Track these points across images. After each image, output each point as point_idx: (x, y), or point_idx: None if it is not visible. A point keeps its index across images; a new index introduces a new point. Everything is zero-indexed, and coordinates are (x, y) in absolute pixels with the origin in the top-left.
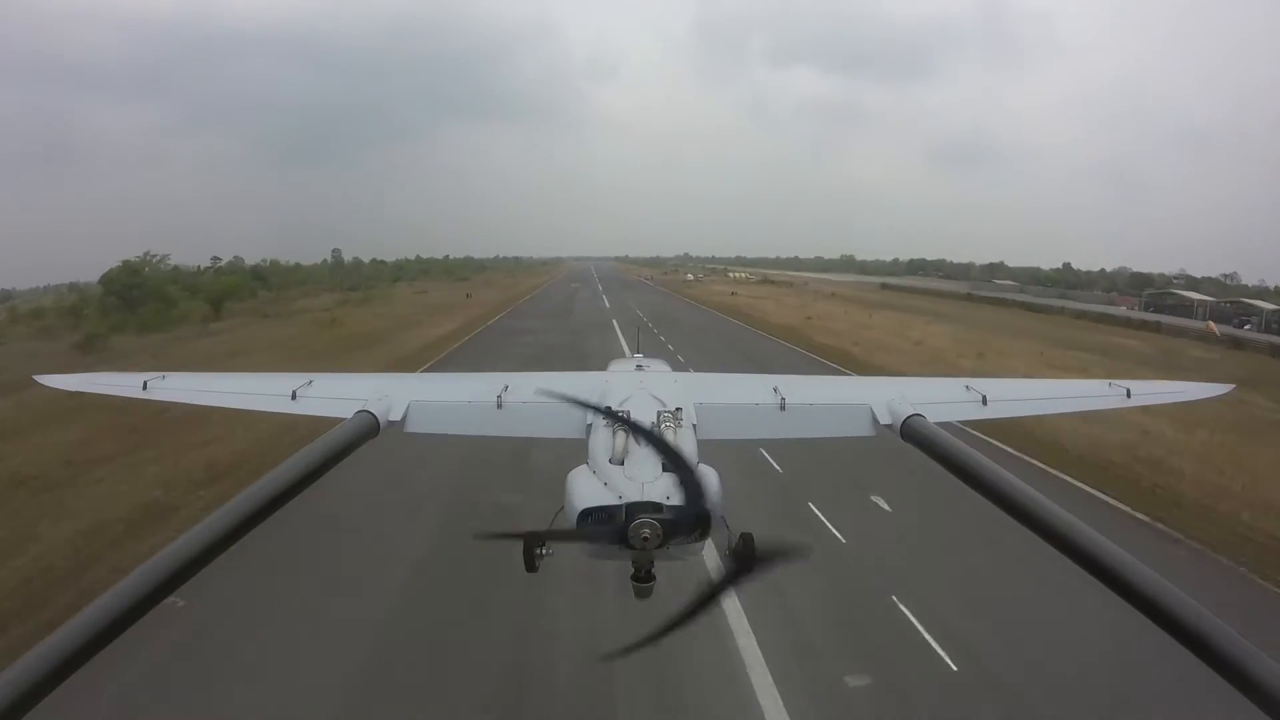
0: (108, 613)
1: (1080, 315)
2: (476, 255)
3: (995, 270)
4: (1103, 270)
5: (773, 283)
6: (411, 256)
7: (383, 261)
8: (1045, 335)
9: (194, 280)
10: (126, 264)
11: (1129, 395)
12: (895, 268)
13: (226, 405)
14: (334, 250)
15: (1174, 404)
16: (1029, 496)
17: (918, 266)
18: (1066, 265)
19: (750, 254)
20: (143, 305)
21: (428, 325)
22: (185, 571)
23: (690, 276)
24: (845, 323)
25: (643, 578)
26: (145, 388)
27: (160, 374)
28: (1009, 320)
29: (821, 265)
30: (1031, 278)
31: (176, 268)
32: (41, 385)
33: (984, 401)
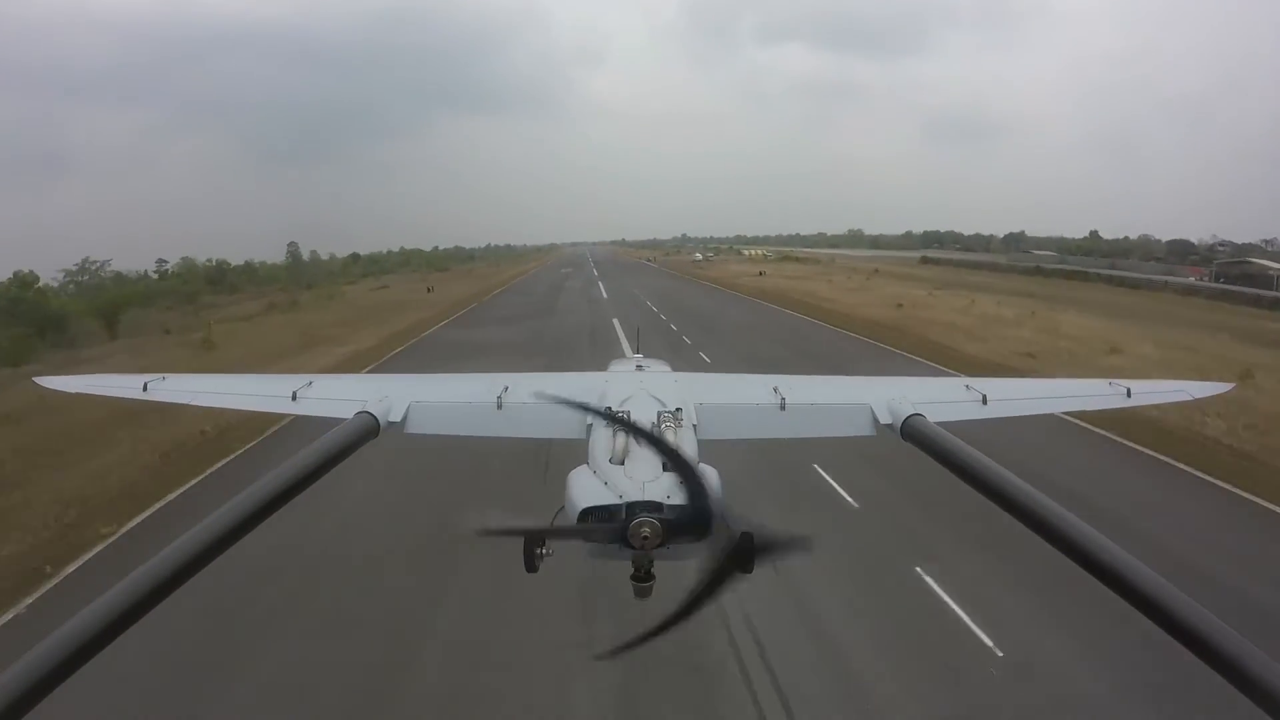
0: (107, 613)
1: (1159, 288)
2: (468, 245)
3: (1018, 240)
4: (1125, 237)
5: (796, 260)
6: (408, 249)
7: (356, 255)
8: (1178, 318)
9: (132, 289)
10: (17, 276)
11: (1129, 395)
12: (909, 241)
13: (227, 406)
14: (290, 244)
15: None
16: (1029, 495)
17: (933, 239)
18: (1094, 233)
19: (749, 233)
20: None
21: (339, 342)
22: (185, 572)
23: (699, 256)
24: (945, 310)
25: (643, 577)
26: (145, 389)
27: (160, 375)
28: (1105, 298)
29: (829, 241)
30: (1061, 247)
31: (119, 275)
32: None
33: (984, 401)
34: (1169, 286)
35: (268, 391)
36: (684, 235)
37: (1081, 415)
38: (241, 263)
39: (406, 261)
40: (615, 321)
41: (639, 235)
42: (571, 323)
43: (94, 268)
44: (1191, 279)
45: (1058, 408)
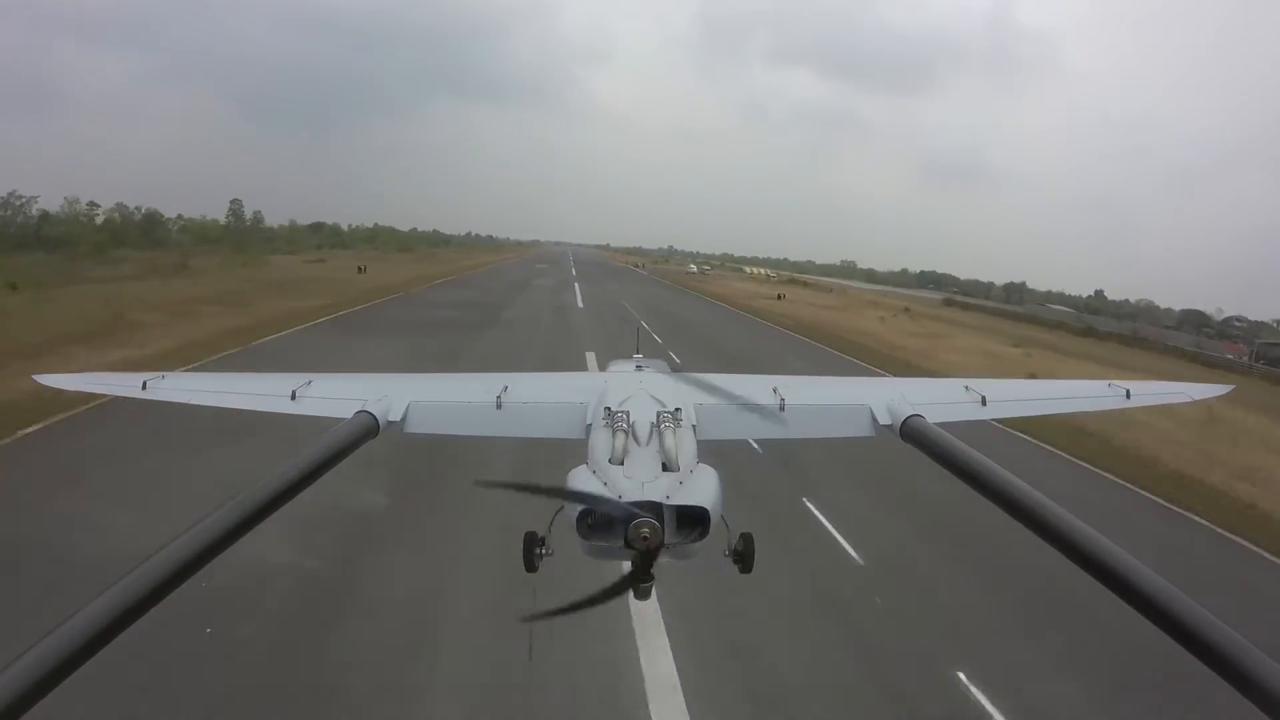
0: (107, 613)
1: (1213, 363)
2: (449, 231)
3: (1020, 291)
4: (1127, 300)
5: (804, 284)
6: (382, 226)
7: (320, 224)
8: None
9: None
10: None
11: (1129, 396)
12: (905, 278)
13: (226, 405)
14: (233, 202)
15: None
16: (1030, 496)
17: (929, 279)
18: (1099, 293)
19: (737, 252)
20: None
21: (141, 334)
22: (185, 572)
23: (694, 269)
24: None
25: (642, 578)
26: (144, 387)
27: (160, 374)
28: (1176, 370)
29: (819, 269)
30: (1066, 302)
31: (46, 214)
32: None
33: (983, 402)
34: (1200, 359)
35: (267, 391)
36: (670, 247)
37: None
38: (175, 216)
39: (373, 238)
40: (591, 355)
41: (624, 242)
42: (519, 339)
43: (19, 203)
44: (1230, 356)
45: (1056, 409)
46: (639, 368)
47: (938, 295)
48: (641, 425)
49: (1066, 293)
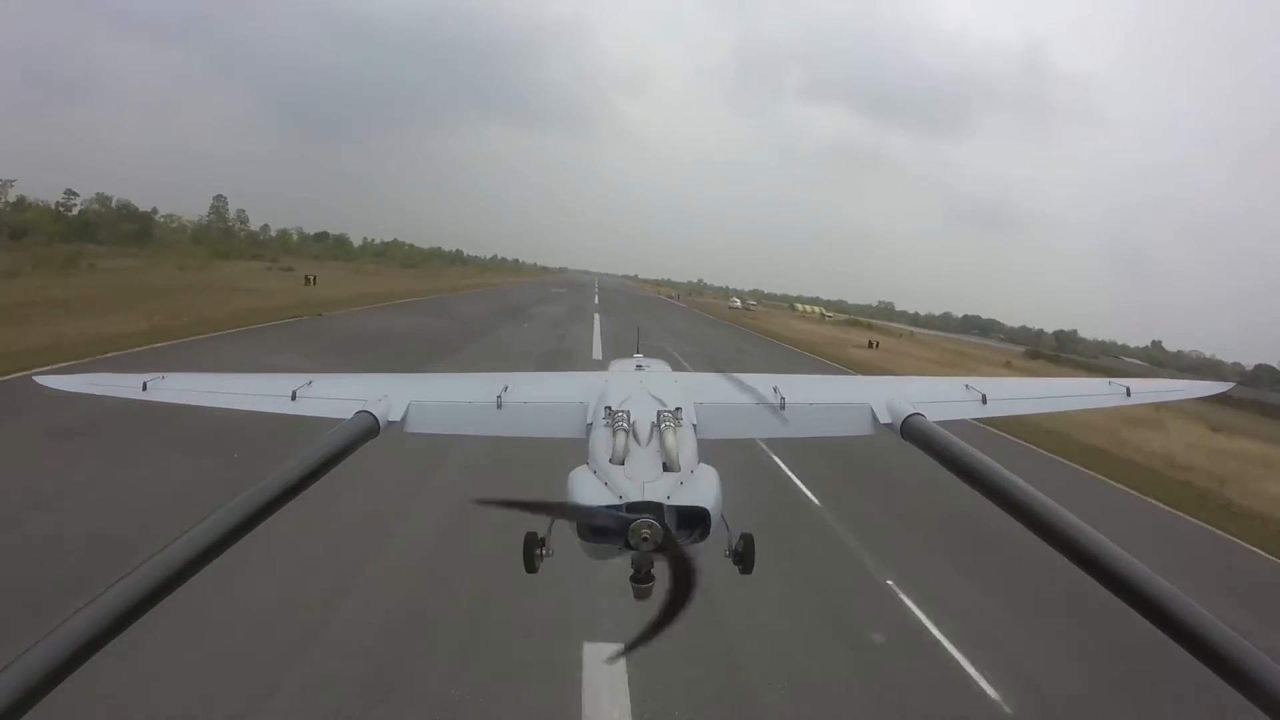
0: (107, 614)
1: None
2: (474, 253)
3: (1071, 340)
4: (1180, 351)
5: (869, 327)
6: (405, 241)
7: (325, 234)
8: None
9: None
10: None
11: (1129, 394)
12: (949, 323)
13: (226, 406)
14: (216, 198)
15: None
16: (1030, 496)
17: (973, 324)
18: (1156, 344)
19: (766, 288)
20: None
21: None
22: (185, 572)
23: (738, 303)
24: None
25: (642, 578)
26: (145, 388)
27: (160, 375)
28: None
29: (855, 311)
30: (1121, 352)
31: (23, 200)
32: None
33: (984, 400)
34: None
35: (267, 391)
36: (700, 280)
37: None
38: (151, 210)
39: (384, 253)
40: None
41: (652, 273)
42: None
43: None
44: None
45: (1057, 407)
46: (639, 367)
47: (1016, 347)
48: (642, 425)
49: (1117, 341)
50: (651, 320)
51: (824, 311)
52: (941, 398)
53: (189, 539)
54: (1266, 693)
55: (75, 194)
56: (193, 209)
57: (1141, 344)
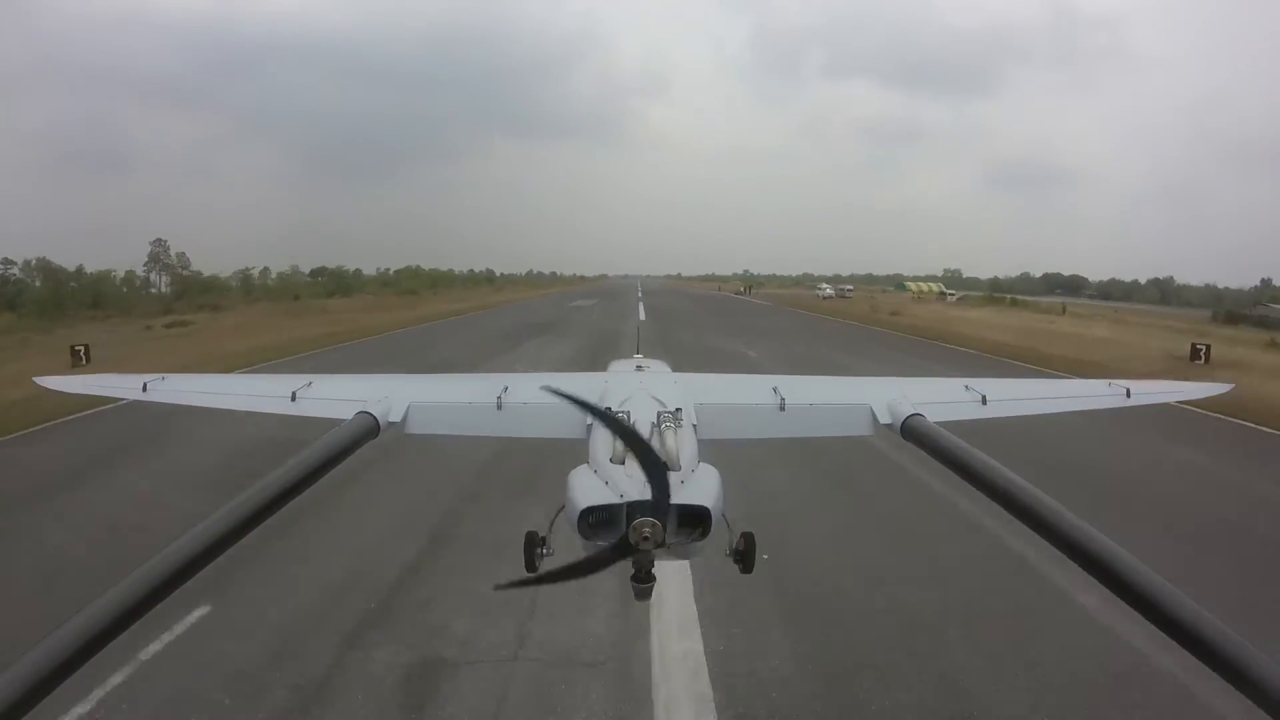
0: (107, 614)
1: None
2: (509, 270)
3: (1168, 287)
4: None
5: (1011, 304)
6: (444, 269)
7: (322, 269)
8: None
9: None
10: None
11: (1129, 395)
12: (1029, 284)
13: (226, 407)
14: (154, 244)
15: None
16: (1030, 495)
17: (1055, 282)
18: (1266, 281)
19: (815, 270)
20: None
21: None
22: (184, 573)
23: (828, 290)
24: None
25: (643, 578)
26: (145, 389)
27: (160, 375)
28: None
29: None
30: (1224, 294)
31: None
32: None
33: (984, 401)
34: None
35: (267, 392)
36: (747, 271)
37: None
38: (75, 268)
39: (389, 282)
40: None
41: (695, 269)
42: None
43: None
44: None
45: (1056, 408)
46: (639, 368)
47: (1180, 310)
48: (642, 425)
49: (1218, 285)
50: (777, 345)
51: (944, 289)
52: (941, 398)
53: (189, 539)
54: (1266, 692)
55: (12, 261)
56: (228, 265)
57: (1246, 284)
